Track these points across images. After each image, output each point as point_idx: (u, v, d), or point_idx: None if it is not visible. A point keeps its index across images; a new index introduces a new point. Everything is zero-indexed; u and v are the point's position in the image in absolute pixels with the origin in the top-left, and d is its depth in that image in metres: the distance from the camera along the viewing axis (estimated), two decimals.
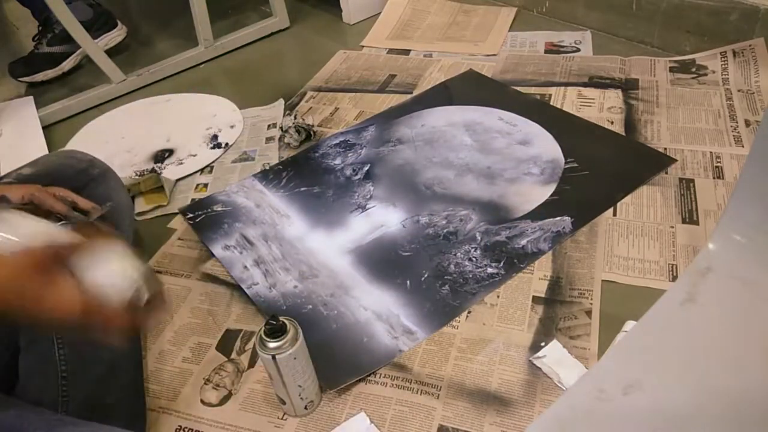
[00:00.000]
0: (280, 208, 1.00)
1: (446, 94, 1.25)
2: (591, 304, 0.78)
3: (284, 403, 0.68)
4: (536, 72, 1.28)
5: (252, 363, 0.77)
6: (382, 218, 0.95)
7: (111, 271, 0.47)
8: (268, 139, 1.19)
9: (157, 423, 0.71)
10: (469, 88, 1.26)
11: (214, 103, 1.33)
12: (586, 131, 1.09)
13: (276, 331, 0.62)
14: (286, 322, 0.63)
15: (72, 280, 0.46)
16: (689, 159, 0.99)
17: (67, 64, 1.48)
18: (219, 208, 1.02)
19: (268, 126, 1.23)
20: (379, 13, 1.60)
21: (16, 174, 0.76)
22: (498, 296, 0.81)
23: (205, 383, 0.75)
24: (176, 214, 1.03)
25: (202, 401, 0.73)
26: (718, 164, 0.98)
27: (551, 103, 1.17)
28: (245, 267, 0.89)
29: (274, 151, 1.15)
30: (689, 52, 1.26)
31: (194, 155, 1.17)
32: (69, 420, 0.58)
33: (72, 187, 0.69)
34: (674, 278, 0.80)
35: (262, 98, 1.32)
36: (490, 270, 0.84)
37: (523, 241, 0.88)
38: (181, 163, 1.15)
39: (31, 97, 1.36)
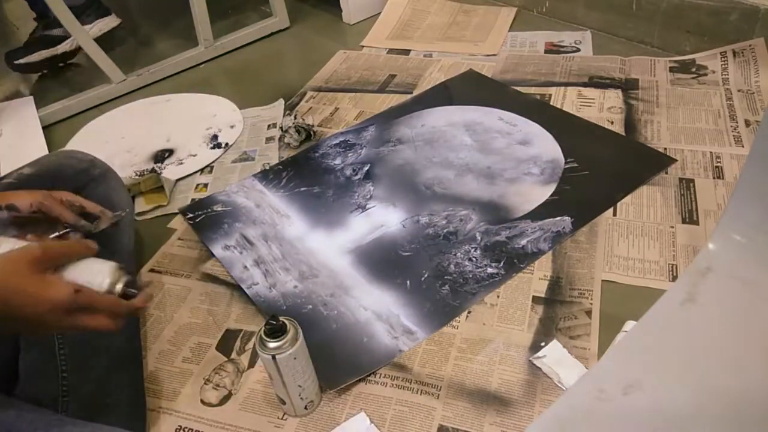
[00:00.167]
0: (280, 208, 1.00)
1: (446, 94, 1.25)
2: (591, 304, 0.78)
3: (284, 403, 0.68)
4: (536, 72, 1.28)
5: (252, 363, 0.77)
6: (382, 218, 0.95)
7: (85, 271, 0.53)
8: (268, 139, 1.19)
9: (157, 423, 0.71)
10: (469, 88, 1.26)
11: (214, 103, 1.33)
12: (586, 131, 1.09)
13: (276, 331, 0.62)
14: (286, 322, 0.63)
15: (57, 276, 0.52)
16: (689, 159, 0.99)
17: (62, 47, 1.47)
18: (219, 208, 1.02)
19: (268, 126, 1.23)
20: (379, 13, 1.60)
21: (17, 174, 0.76)
22: (498, 296, 0.81)
23: (205, 383, 0.75)
24: (176, 214, 1.03)
25: (202, 401, 0.73)
26: (718, 164, 0.98)
27: (551, 103, 1.17)
28: (245, 267, 0.89)
29: (274, 151, 1.15)
30: (689, 52, 1.26)
31: (194, 155, 1.17)
32: (69, 420, 0.58)
33: (72, 188, 0.69)
34: (674, 278, 0.80)
35: (262, 98, 1.32)
36: (490, 270, 0.84)
37: (523, 241, 0.88)
38: (181, 163, 1.15)
39: (31, 97, 1.35)
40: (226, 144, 1.19)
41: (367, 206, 0.98)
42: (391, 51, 1.45)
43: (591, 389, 0.67)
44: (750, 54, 1.18)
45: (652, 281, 0.81)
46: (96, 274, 0.54)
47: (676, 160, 0.99)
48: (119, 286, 0.54)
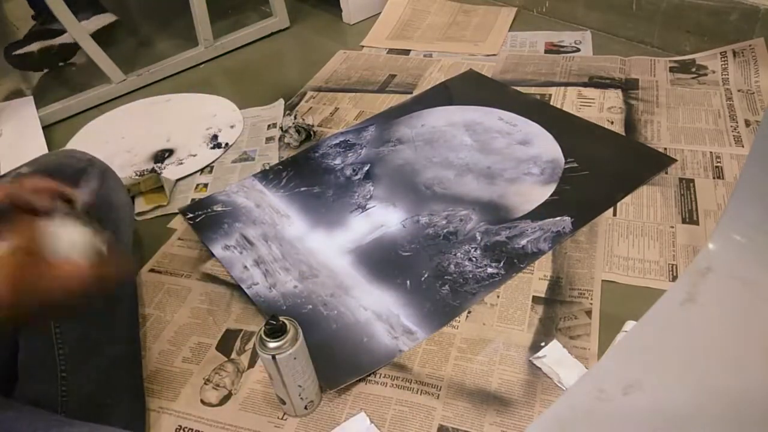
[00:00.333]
0: (280, 208, 1.00)
1: (446, 94, 1.25)
2: (591, 304, 0.78)
3: (284, 403, 0.68)
4: (536, 72, 1.28)
5: (252, 363, 0.77)
6: (382, 218, 0.95)
7: (65, 244, 0.52)
8: (268, 139, 1.19)
9: (157, 423, 0.71)
10: (469, 88, 1.26)
11: (214, 103, 1.33)
12: (586, 131, 1.09)
13: (276, 331, 0.62)
14: (286, 322, 0.63)
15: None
16: (689, 159, 0.99)
17: (60, 39, 1.46)
18: (219, 208, 1.02)
19: (268, 126, 1.23)
20: (379, 13, 1.60)
21: (15, 173, 0.76)
22: (498, 296, 0.81)
23: (205, 383, 0.75)
24: (176, 214, 1.03)
25: (202, 401, 0.73)
26: (718, 164, 0.98)
27: (551, 103, 1.17)
28: (245, 267, 0.89)
29: (274, 151, 1.15)
30: (689, 52, 1.26)
31: (194, 155, 1.17)
32: (68, 421, 0.58)
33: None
34: (674, 278, 0.80)
35: (262, 98, 1.32)
36: (490, 270, 0.84)
37: (523, 241, 0.88)
38: (181, 163, 1.15)
39: (31, 98, 1.35)
40: (226, 144, 1.19)
41: (367, 206, 0.98)
42: (391, 51, 1.45)
43: (591, 389, 0.67)
44: (750, 54, 1.18)
45: (652, 281, 0.81)
46: (73, 247, 0.52)
47: (676, 160, 0.99)
48: (102, 249, 0.52)
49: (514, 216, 0.92)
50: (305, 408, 0.69)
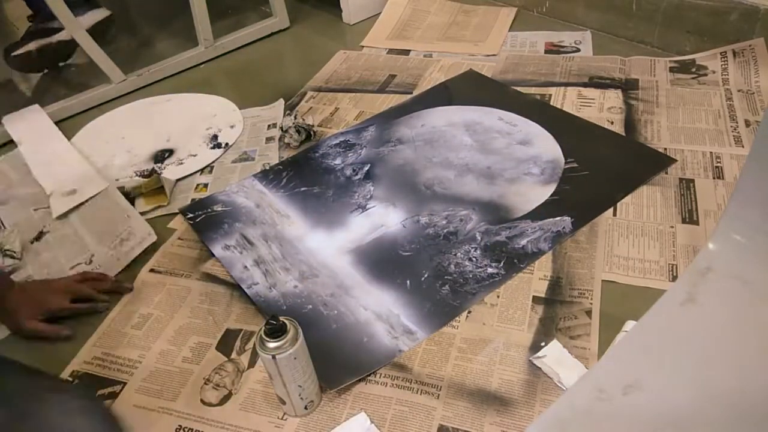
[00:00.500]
0: (280, 208, 1.00)
1: (446, 94, 1.25)
2: (591, 304, 0.78)
3: (284, 403, 0.68)
4: (536, 72, 1.28)
5: (252, 363, 0.77)
6: (382, 218, 0.95)
7: None
8: (268, 139, 1.19)
9: (157, 423, 0.71)
10: (469, 88, 1.26)
11: (214, 103, 1.33)
12: (586, 131, 1.09)
13: (276, 331, 0.62)
14: (286, 322, 0.63)
15: None
16: (689, 159, 0.99)
17: (58, 36, 1.44)
18: (219, 208, 1.02)
19: (268, 126, 1.23)
20: (379, 13, 1.60)
21: None
22: (498, 296, 0.81)
23: (205, 383, 0.75)
24: (176, 214, 1.03)
25: (202, 401, 0.73)
26: (718, 164, 0.98)
27: (551, 103, 1.17)
28: (245, 267, 0.89)
29: (274, 151, 1.15)
30: (689, 52, 1.26)
31: (194, 155, 1.17)
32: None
33: None
34: (674, 278, 0.80)
35: (262, 98, 1.32)
36: (490, 270, 0.84)
37: (523, 241, 0.88)
38: (181, 163, 1.15)
39: (37, 105, 1.32)
40: (226, 144, 1.19)
41: (367, 206, 0.98)
42: (391, 51, 1.45)
43: (591, 389, 0.67)
44: (750, 54, 1.18)
45: (652, 281, 0.81)
46: None
47: (676, 160, 0.99)
48: None
49: (514, 216, 0.92)
50: (305, 408, 0.69)
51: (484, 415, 0.68)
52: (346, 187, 1.03)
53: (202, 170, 1.13)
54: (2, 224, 1.02)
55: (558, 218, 0.91)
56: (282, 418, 0.70)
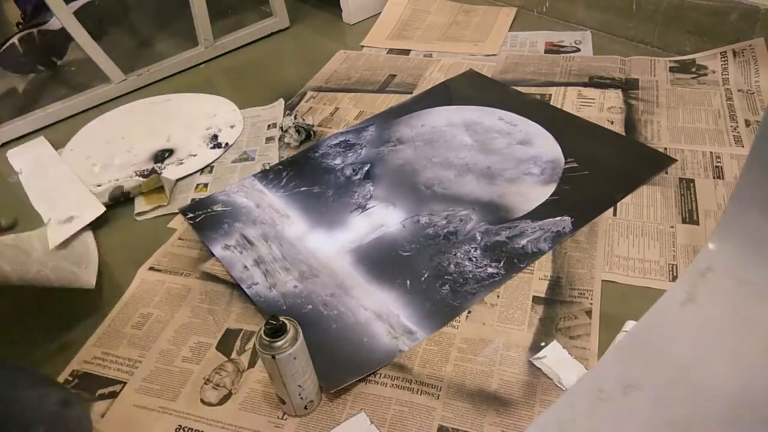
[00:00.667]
0: (280, 208, 1.00)
1: (446, 94, 1.25)
2: (591, 304, 0.78)
3: (284, 403, 0.68)
4: (536, 72, 1.28)
5: (252, 363, 0.77)
6: (382, 218, 0.95)
7: None
8: (268, 139, 1.19)
9: (157, 422, 0.71)
10: (469, 88, 1.26)
11: (214, 103, 1.33)
12: (586, 131, 1.09)
13: (276, 331, 0.62)
14: (286, 322, 0.63)
15: None
16: (689, 159, 0.99)
17: (55, 23, 1.43)
18: (219, 208, 1.02)
19: (268, 126, 1.23)
20: (379, 13, 1.60)
21: None
22: (498, 296, 0.81)
23: (205, 383, 0.75)
24: (176, 213, 1.03)
25: (202, 401, 0.73)
26: (718, 164, 0.98)
27: (551, 103, 1.17)
28: (245, 267, 0.89)
29: (274, 151, 1.15)
30: (689, 52, 1.26)
31: (194, 155, 1.17)
32: None
33: None
34: (674, 278, 0.80)
35: (262, 98, 1.32)
36: (490, 270, 0.84)
37: (523, 241, 0.88)
38: (181, 163, 1.15)
39: (42, 137, 1.28)
40: (226, 144, 1.19)
41: (367, 206, 0.98)
42: (391, 51, 1.45)
43: (591, 389, 0.67)
44: (750, 54, 1.18)
45: (652, 281, 0.81)
46: None
47: (676, 160, 0.99)
48: None
49: (514, 216, 0.92)
50: (305, 408, 0.69)
51: (484, 416, 0.68)
52: (346, 187, 1.03)
53: (202, 170, 1.13)
54: None
55: (558, 218, 0.91)
56: (282, 418, 0.70)
